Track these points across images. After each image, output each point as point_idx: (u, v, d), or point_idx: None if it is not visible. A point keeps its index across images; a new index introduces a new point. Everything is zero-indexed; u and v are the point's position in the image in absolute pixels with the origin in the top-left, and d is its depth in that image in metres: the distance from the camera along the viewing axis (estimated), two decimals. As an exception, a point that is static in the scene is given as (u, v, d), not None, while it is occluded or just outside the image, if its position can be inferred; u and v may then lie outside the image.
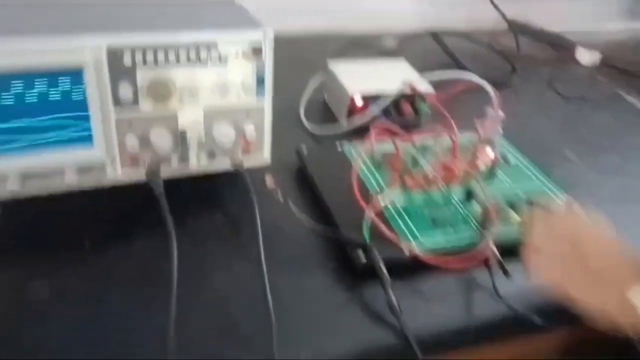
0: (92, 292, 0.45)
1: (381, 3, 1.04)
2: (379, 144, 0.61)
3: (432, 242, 0.51)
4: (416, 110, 0.72)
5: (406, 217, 0.53)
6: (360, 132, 0.63)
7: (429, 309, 0.47)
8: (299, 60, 0.83)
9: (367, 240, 0.49)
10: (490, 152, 0.60)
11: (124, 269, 0.47)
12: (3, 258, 0.47)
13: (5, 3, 0.50)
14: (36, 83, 0.44)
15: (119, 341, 0.42)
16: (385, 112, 0.71)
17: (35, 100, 0.44)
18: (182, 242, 0.43)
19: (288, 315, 0.44)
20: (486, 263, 0.50)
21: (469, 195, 0.57)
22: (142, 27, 0.47)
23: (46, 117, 0.45)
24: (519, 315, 0.48)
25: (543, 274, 0.46)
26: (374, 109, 0.70)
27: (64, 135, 0.46)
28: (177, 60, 0.47)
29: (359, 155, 0.60)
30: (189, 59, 0.47)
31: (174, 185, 0.48)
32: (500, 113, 0.57)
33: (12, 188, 0.46)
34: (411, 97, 0.72)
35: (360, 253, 0.48)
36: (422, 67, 0.79)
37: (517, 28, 1.03)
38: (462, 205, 0.56)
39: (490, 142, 0.59)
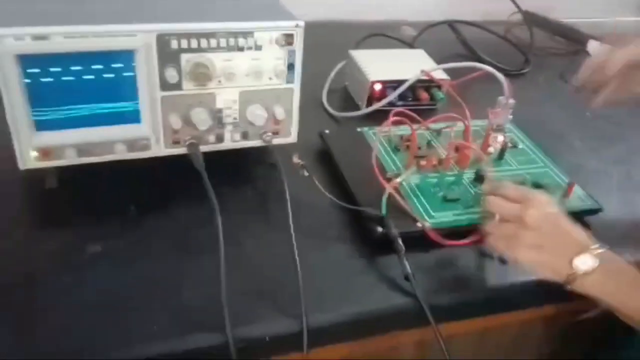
0: (135, 252, 0.50)
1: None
2: (396, 128, 0.66)
3: (443, 219, 0.55)
4: (432, 97, 0.76)
5: (420, 195, 0.58)
6: (379, 117, 0.67)
7: (439, 278, 0.52)
8: (321, 48, 0.87)
9: (384, 214, 0.54)
10: (500, 138, 0.64)
11: (165, 232, 0.53)
12: (58, 220, 0.53)
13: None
14: (93, 64, 0.49)
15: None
16: (403, 98, 0.75)
17: (92, 77, 0.49)
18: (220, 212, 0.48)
19: (314, 279, 0.48)
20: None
21: (479, 177, 0.61)
22: (187, 17, 0.52)
23: (100, 95, 0.50)
24: (524, 284, 0.52)
25: (498, 247, 0.50)
26: (392, 95, 0.74)
27: (115, 112, 0.51)
28: (218, 46, 0.52)
29: (378, 138, 0.64)
30: (228, 45, 0.52)
31: (211, 160, 0.53)
32: (511, 101, 0.61)
33: (68, 158, 0.51)
34: (427, 85, 0.76)
35: (378, 226, 0.53)
36: (438, 56, 0.83)
37: (531, 20, 1.06)
38: (472, 186, 0.61)
39: (500, 129, 0.63)
